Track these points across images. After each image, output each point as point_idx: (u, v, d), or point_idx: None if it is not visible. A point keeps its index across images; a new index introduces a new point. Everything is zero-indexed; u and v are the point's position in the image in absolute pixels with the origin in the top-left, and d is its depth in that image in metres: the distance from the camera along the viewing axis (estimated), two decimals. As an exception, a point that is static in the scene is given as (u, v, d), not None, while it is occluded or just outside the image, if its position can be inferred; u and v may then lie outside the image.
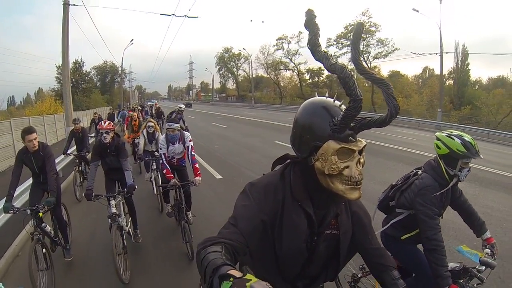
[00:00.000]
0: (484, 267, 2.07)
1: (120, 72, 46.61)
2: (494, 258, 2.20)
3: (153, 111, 18.10)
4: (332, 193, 1.10)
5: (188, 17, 19.39)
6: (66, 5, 13.35)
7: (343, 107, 1.09)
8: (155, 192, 6.23)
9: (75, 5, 13.98)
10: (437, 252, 2.06)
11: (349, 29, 41.47)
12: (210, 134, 16.74)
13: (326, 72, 47.33)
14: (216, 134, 16.79)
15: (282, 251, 1.19)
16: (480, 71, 67.80)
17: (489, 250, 2.25)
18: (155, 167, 6.47)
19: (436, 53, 27.70)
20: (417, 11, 25.47)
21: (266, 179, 1.23)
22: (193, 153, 4.70)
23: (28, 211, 3.52)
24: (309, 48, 1.03)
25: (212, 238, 1.01)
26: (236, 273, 0.75)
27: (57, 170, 4.35)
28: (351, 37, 1.03)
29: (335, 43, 43.30)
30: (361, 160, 1.09)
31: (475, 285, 2.09)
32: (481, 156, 2.10)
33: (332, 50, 42.94)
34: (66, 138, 7.90)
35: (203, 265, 0.86)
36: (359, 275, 2.81)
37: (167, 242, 4.65)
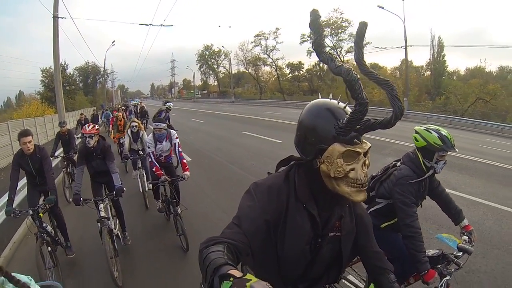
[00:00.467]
0: (461, 253, 2.16)
1: (102, 72, 46.38)
2: (472, 244, 2.28)
3: (138, 110, 18.10)
4: (338, 195, 1.10)
5: (164, 25, 21.65)
6: (55, 17, 13.73)
7: (348, 109, 1.08)
8: (140, 190, 6.22)
9: (63, 17, 14.57)
10: (415, 239, 2.13)
11: (324, 24, 42.77)
12: (188, 128, 17.28)
13: (306, 66, 48.25)
14: (193, 128, 17.68)
15: (284, 252, 1.18)
16: (462, 62, 68.48)
17: (467, 237, 2.33)
18: (140, 165, 6.52)
19: (401, 46, 28.40)
20: (382, 7, 26.01)
21: (270, 180, 1.22)
22: (180, 149, 4.80)
23: (31, 212, 3.50)
24: (314, 50, 1.01)
25: (215, 238, 0.99)
26: (236, 273, 0.74)
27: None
28: (354, 37, 1.03)
29: (308, 39, 43.89)
30: (366, 162, 1.09)
31: (452, 270, 2.14)
32: (457, 150, 2.18)
33: (306, 46, 44.97)
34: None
35: (205, 264, 0.85)
36: None
37: (159, 237, 4.70)
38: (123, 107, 21.43)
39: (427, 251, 2.19)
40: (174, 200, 4.52)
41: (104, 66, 40.64)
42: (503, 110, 28.55)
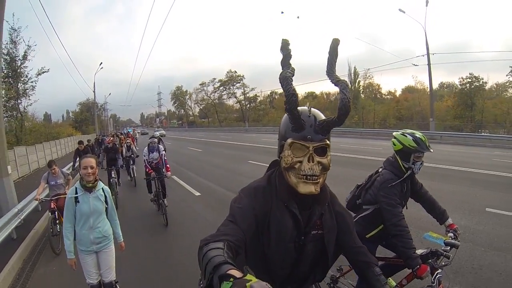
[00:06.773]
0: (449, 247, 2.07)
1: (99, 107, 59.41)
2: (458, 240, 2.20)
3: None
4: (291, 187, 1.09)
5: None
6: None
7: (314, 110, 1.11)
8: (131, 176, 9.71)
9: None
10: (403, 236, 2.07)
11: (223, 82, 60.82)
12: (190, 159, 16.79)
13: (259, 98, 58.84)
14: (194, 158, 17.49)
15: (270, 250, 1.15)
16: (443, 79, 59.33)
17: (452, 234, 2.24)
18: (132, 163, 9.77)
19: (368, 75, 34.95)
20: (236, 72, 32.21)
21: (255, 183, 1.23)
22: (165, 158, 6.30)
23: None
24: (282, 66, 1.11)
25: (214, 235, 0.97)
26: (236, 273, 0.70)
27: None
28: (328, 51, 1.06)
29: (223, 89, 62.10)
30: (318, 159, 1.07)
31: (443, 263, 2.08)
32: (431, 150, 2.12)
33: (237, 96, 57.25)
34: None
35: (204, 261, 0.81)
36: (337, 276, 2.74)
37: (147, 217, 6.03)
38: (119, 133, 26.19)
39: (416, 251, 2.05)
40: (160, 191, 5.82)
41: (104, 106, 55.73)
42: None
